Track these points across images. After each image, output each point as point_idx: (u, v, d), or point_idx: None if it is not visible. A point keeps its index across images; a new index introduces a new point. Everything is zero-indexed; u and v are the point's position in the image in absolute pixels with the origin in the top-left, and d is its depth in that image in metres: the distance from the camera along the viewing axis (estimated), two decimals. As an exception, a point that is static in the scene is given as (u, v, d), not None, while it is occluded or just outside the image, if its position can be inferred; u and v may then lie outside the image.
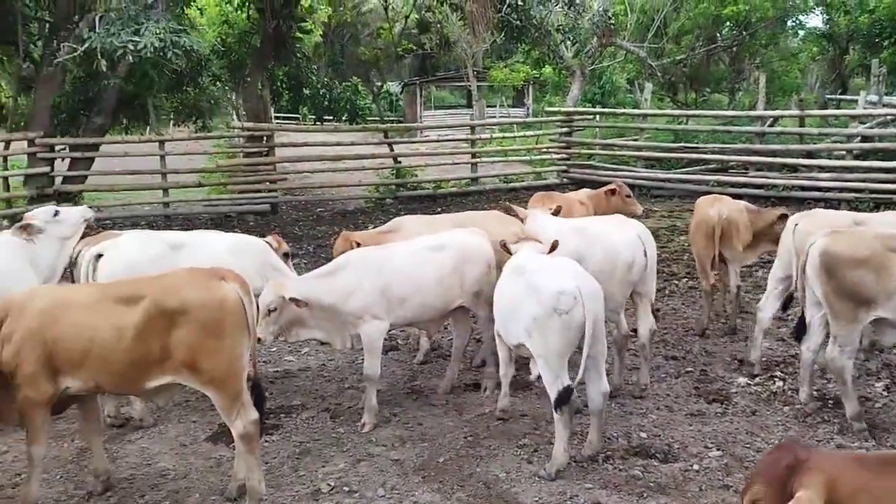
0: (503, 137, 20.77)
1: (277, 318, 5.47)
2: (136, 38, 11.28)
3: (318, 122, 20.74)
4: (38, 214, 6.02)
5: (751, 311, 8.30)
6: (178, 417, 5.91)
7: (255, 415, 4.43)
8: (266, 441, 5.44)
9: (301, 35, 17.96)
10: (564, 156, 18.03)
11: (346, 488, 4.81)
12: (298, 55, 18.10)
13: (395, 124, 23.98)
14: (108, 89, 14.39)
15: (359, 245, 6.51)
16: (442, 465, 5.11)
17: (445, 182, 17.21)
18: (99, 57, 11.44)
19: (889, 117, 14.57)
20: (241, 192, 15.38)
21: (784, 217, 7.47)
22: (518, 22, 14.73)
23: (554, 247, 5.43)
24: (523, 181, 17.77)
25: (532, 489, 4.76)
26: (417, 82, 37.21)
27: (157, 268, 5.27)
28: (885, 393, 6.15)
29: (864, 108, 15.11)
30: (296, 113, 28.79)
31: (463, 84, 33.99)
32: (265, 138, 15.51)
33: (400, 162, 17.13)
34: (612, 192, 8.23)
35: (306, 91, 19.04)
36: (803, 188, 14.07)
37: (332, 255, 6.72)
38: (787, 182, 14.33)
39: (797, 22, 29.98)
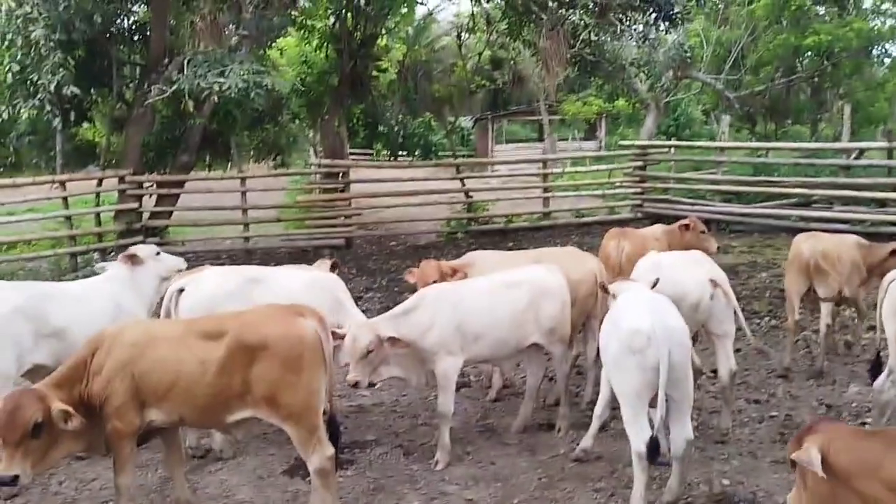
0: (576, 172, 20.64)
1: (374, 358, 5.45)
2: (222, 80, 11.78)
3: (392, 158, 21.11)
4: (143, 249, 6.32)
5: (840, 353, 7.98)
6: (255, 450, 6.02)
7: (330, 450, 4.48)
8: (340, 476, 5.46)
9: (377, 74, 18.39)
10: (638, 190, 17.77)
11: (419, 528, 4.79)
12: (374, 93, 18.53)
13: (466, 159, 24.15)
14: (194, 128, 15.02)
15: (454, 272, 6.61)
16: (514, 508, 5.04)
17: (517, 216, 17.19)
18: (186, 97, 11.99)
19: (985, 149, 13.84)
20: (317, 227, 15.72)
21: (894, 252, 7.43)
22: (591, 57, 14.73)
23: (654, 283, 5.35)
24: (596, 216, 17.57)
25: (608, 535, 4.64)
26: (489, 117, 37.45)
27: (235, 301, 5.45)
28: None
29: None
30: (370, 148, 29.43)
31: (534, 118, 34.09)
32: (341, 174, 15.86)
33: (471, 196, 17.22)
34: (687, 227, 8.08)
35: (381, 128, 19.44)
36: (894, 223, 13.45)
37: (404, 287, 6.79)
38: (876, 217, 13.72)
39: (883, 50, 29.03)
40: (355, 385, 5.44)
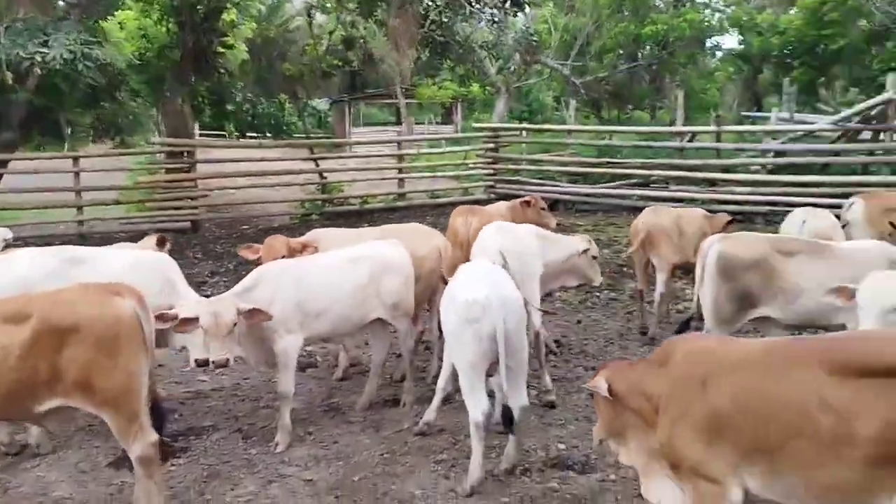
0: (430, 153, 20.77)
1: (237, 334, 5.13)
2: (45, 50, 10.86)
3: (241, 138, 20.37)
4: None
5: (672, 321, 8.45)
6: (79, 443, 5.59)
7: (154, 437, 4.20)
8: (172, 465, 5.19)
9: (223, 50, 17.61)
10: (491, 171, 18.14)
11: (255, 512, 4.61)
12: (221, 70, 17.76)
13: (321, 140, 23.69)
14: (16, 103, 13.77)
15: (303, 247, 6.41)
16: (356, 483, 4.96)
17: (372, 197, 17.09)
18: (4, 68, 10.95)
19: (799, 133, 15.14)
20: (160, 210, 14.92)
21: (732, 222, 8.30)
22: (442, 38, 14.79)
23: (504, 263, 5.49)
24: (450, 197, 17.78)
25: (448, 505, 4.66)
26: (346, 99, 37.04)
27: (52, 283, 4.99)
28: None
29: (776, 125, 15.71)
30: (221, 130, 28.29)
31: (392, 101, 34.01)
32: (185, 154, 15.10)
33: (326, 177, 16.93)
34: (528, 203, 8.37)
35: (229, 107, 18.70)
36: (721, 202, 14.45)
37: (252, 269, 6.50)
38: (706, 196, 14.70)
39: (715, 43, 31.17)
40: (225, 364, 5.06)
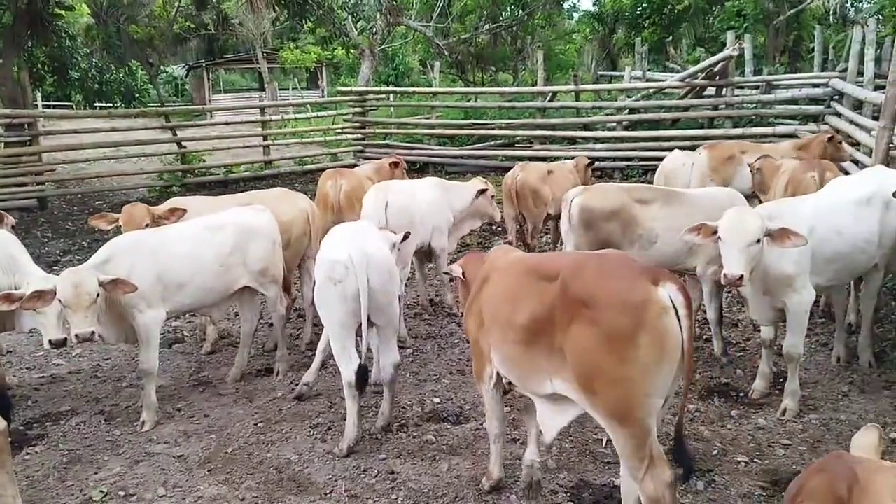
0: (296, 119, 20.24)
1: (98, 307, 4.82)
2: None
3: (86, 108, 19.05)
4: None
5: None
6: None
7: (2, 424, 3.92)
8: (28, 454, 4.90)
9: (61, 12, 16.32)
10: (360, 136, 17.94)
11: (122, 492, 4.42)
12: (61, 34, 16.46)
13: (177, 107, 22.47)
14: None
15: (171, 213, 6.14)
16: (230, 455, 4.85)
17: (236, 166, 16.51)
18: None
19: (651, 90, 15.88)
20: (1, 187, 13.76)
21: (591, 163, 9.01)
22: (300, -1, 14.36)
23: (405, 237, 5.61)
24: (319, 163, 17.45)
25: (325, 468, 4.65)
26: (204, 65, 35.39)
27: None
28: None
29: (630, 83, 16.40)
30: (68, 99, 26.32)
31: (253, 67, 32.85)
32: (27, 126, 13.96)
33: (185, 147, 16.17)
34: (395, 164, 8.43)
35: (74, 74, 17.39)
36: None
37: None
38: (568, 154, 15.16)
39: (572, 4, 32.00)
40: (90, 338, 4.70)
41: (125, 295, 5.03)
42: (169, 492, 4.42)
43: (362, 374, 4.69)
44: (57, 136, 15.46)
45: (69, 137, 15.35)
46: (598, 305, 3.22)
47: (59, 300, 4.69)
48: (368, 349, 4.92)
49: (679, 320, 3.15)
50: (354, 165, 15.87)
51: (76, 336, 4.69)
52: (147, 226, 5.98)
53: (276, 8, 13.28)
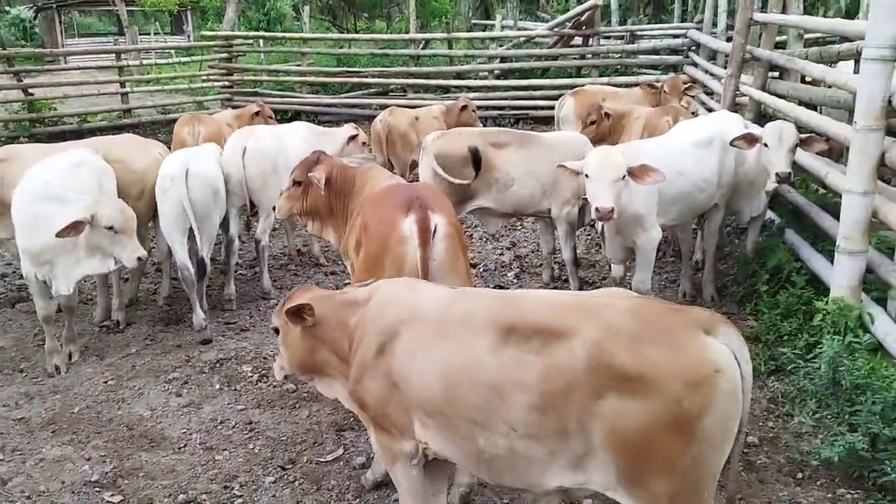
0: (157, 65, 19.09)
1: None
2: None
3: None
4: None
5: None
6: None
7: None
8: None
9: None
10: (227, 83, 17.17)
11: (-47, 461, 4.13)
12: None
13: (21, 51, 20.56)
14: None
15: None
16: (76, 415, 4.62)
17: (92, 115, 15.47)
18: None
19: (521, 39, 16.02)
20: None
21: (466, 107, 9.06)
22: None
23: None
24: (184, 111, 16.62)
25: (180, 422, 4.52)
26: (54, 6, 32.67)
27: None
28: (515, 280, 6.85)
29: (501, 32, 16.48)
30: None
31: (111, 9, 30.65)
32: None
33: (32, 94, 14.96)
34: (257, 113, 8.21)
35: None
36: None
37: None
38: (442, 102, 15.14)
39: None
40: None
41: None
42: (7, 456, 4.17)
43: (201, 264, 5.66)
44: None
45: None
46: None
47: None
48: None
49: None
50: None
51: None
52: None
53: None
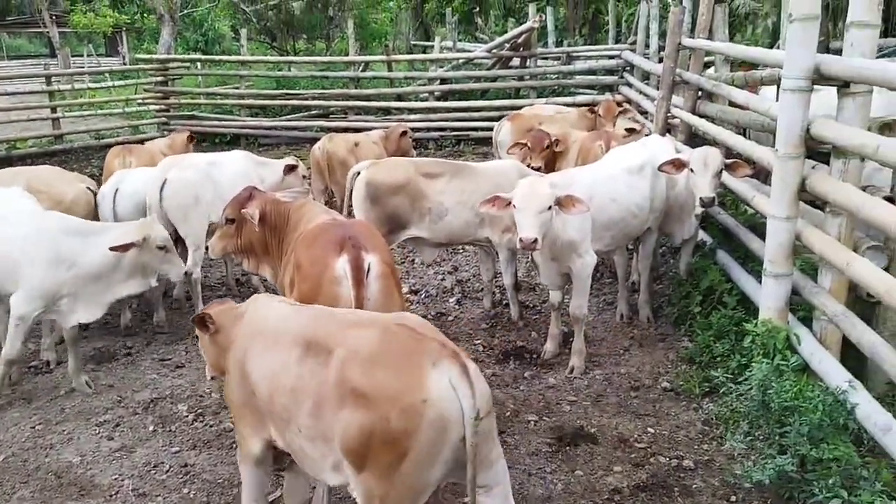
0: (89, 89, 18.63)
1: None
2: None
3: None
4: None
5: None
6: None
7: None
8: None
9: None
10: (163, 107, 16.88)
11: None
12: None
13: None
14: None
15: None
16: (1, 464, 4.44)
17: (22, 141, 15.01)
18: None
19: (461, 61, 16.15)
20: None
21: (405, 132, 9.27)
22: (84, -43, 13.10)
23: None
24: (119, 136, 16.27)
25: (112, 468, 4.38)
26: (-18, 28, 31.77)
27: None
28: (457, 306, 6.86)
29: (441, 54, 16.61)
30: None
31: (41, 31, 29.89)
32: None
33: (-44, 121, 14.47)
34: (191, 138, 8.13)
35: None
36: (396, 130, 15.00)
37: None
38: (382, 124, 15.14)
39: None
40: None
41: None
42: (-77, 513, 3.98)
43: None
44: None
45: None
46: None
47: None
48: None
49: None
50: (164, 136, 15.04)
51: None
52: None
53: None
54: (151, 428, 4.81)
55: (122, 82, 19.19)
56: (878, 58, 4.45)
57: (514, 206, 4.74)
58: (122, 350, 5.99)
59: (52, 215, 5.17)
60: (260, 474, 3.30)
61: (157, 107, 16.89)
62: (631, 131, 7.19)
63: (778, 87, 4.82)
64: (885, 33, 11.80)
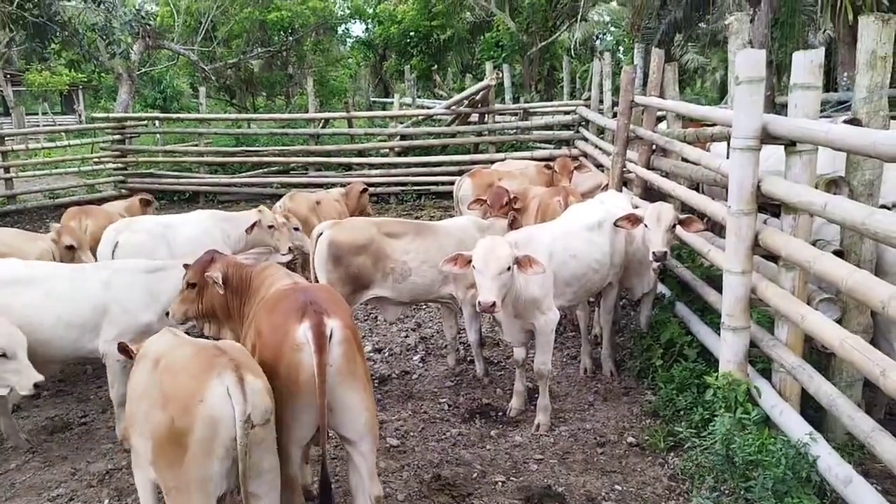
0: (43, 148, 18.42)
1: None
2: None
3: None
4: None
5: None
6: None
7: None
8: None
9: None
10: (120, 165, 16.75)
11: None
12: None
13: None
14: None
15: None
16: (-54, 546, 4.23)
17: (-26, 203, 14.72)
18: None
19: (420, 117, 16.40)
20: None
21: (365, 189, 9.57)
22: (39, 19, 13.07)
23: None
24: (75, 195, 16.06)
25: (65, 545, 4.19)
26: (-67, 87, 31.26)
27: None
28: (421, 364, 6.82)
29: (400, 110, 16.84)
30: None
31: (-5, 89, 29.54)
32: None
33: None
34: (147, 202, 8.09)
35: None
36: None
37: None
38: (344, 180, 15.21)
39: (345, 29, 32.30)
40: None
41: None
42: None
43: None
44: None
45: None
46: None
47: None
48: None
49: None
50: (119, 197, 14.86)
51: None
52: None
53: (11, 27, 11.94)
54: (107, 502, 4.64)
55: (77, 141, 19.03)
56: (821, 115, 4.65)
57: (474, 267, 4.77)
58: (77, 419, 5.81)
59: None
60: (148, 485, 3.55)
61: (114, 165, 16.77)
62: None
63: (728, 143, 5.00)
64: (826, 87, 12.33)
